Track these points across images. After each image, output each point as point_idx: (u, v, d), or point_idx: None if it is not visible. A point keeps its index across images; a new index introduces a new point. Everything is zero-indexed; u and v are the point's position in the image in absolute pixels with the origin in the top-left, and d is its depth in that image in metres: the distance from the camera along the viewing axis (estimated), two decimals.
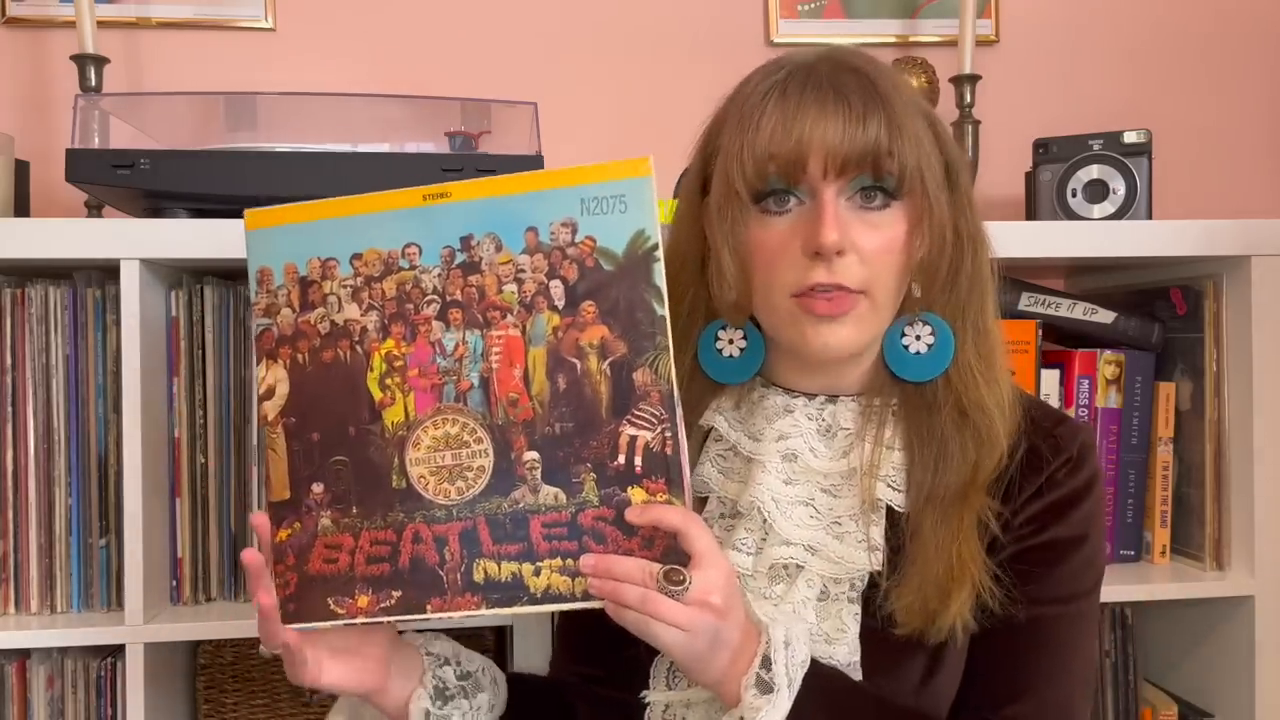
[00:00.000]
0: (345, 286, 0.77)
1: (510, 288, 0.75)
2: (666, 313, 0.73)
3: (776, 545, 0.84)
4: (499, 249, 0.75)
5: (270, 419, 0.78)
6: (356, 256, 0.77)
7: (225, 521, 1.24)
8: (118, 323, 1.16)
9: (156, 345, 1.20)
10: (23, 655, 1.22)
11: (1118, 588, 1.28)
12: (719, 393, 0.91)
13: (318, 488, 0.77)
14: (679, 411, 0.73)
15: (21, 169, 1.33)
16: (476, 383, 0.76)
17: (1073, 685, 0.86)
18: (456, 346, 0.76)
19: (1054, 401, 1.34)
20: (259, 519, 0.78)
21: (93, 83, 1.42)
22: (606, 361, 0.74)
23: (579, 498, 0.74)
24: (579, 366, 0.74)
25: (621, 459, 0.73)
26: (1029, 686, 0.85)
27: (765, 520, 0.85)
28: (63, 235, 1.14)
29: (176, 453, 1.23)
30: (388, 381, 0.77)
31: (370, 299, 0.77)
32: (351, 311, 0.77)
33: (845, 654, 0.82)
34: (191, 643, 1.32)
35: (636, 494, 0.73)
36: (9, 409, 1.20)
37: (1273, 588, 1.29)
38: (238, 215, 1.14)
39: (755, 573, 0.85)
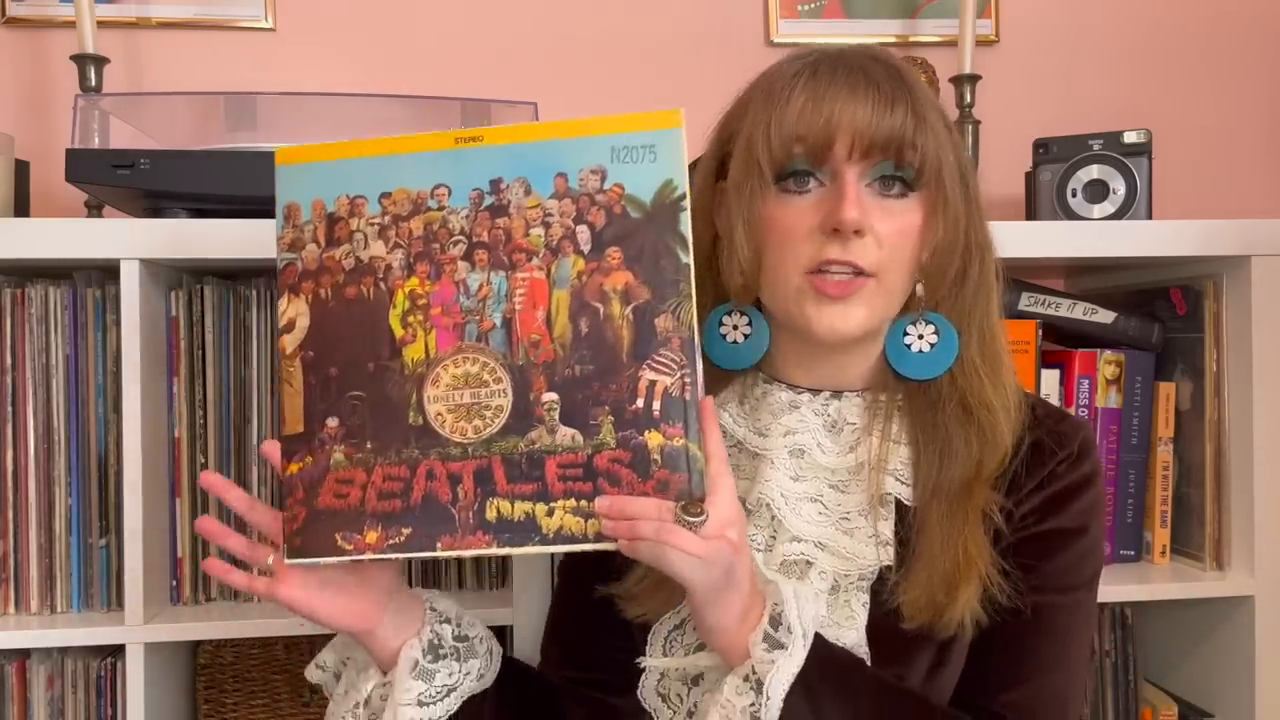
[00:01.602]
0: (372, 224, 0.78)
1: (537, 231, 0.76)
2: (691, 261, 0.74)
3: (786, 542, 0.85)
4: (528, 193, 0.76)
5: (288, 352, 0.79)
6: (385, 195, 0.78)
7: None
8: (118, 323, 1.16)
9: (156, 345, 1.20)
10: (23, 655, 1.22)
11: (1118, 588, 1.28)
12: (722, 387, 0.91)
13: (332, 422, 0.77)
14: (699, 358, 0.74)
15: (21, 169, 1.33)
16: (499, 323, 0.76)
17: (1069, 675, 0.87)
18: (481, 287, 0.77)
19: (1054, 402, 1.34)
20: (269, 447, 0.78)
21: (93, 83, 1.42)
22: (629, 306, 0.75)
23: (596, 439, 0.74)
24: (602, 310, 0.75)
25: (640, 402, 0.74)
26: (1026, 675, 0.86)
27: (774, 517, 0.85)
28: (63, 235, 1.14)
29: (176, 453, 1.23)
30: (410, 319, 0.77)
31: (397, 237, 0.78)
32: (377, 249, 0.78)
33: (853, 639, 0.83)
34: (191, 643, 1.32)
35: (654, 438, 0.74)
36: (9, 409, 1.20)
37: (1273, 588, 1.29)
38: (238, 215, 1.16)
39: (766, 569, 0.85)
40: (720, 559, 0.72)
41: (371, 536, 0.76)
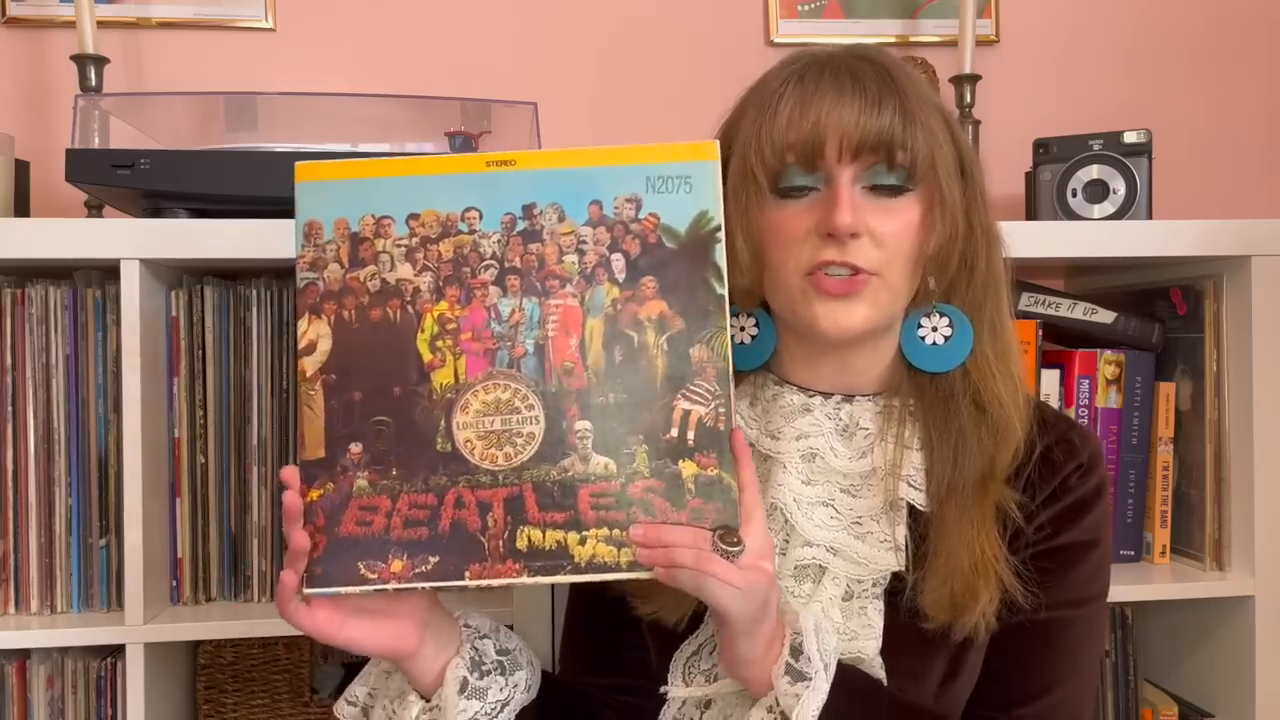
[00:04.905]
0: (399, 246, 0.77)
1: (571, 258, 0.76)
2: (725, 293, 0.75)
3: (799, 546, 0.85)
4: (561, 219, 0.76)
5: (309, 375, 0.77)
6: (413, 217, 0.77)
7: (225, 521, 1.24)
8: (118, 323, 1.16)
9: (156, 345, 1.20)
10: (23, 655, 1.22)
11: (1118, 588, 1.26)
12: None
13: (356, 447, 0.76)
14: (732, 390, 0.75)
15: (21, 169, 1.33)
16: (531, 350, 0.76)
17: (1082, 686, 0.87)
18: (513, 313, 0.76)
19: (1054, 402, 1.34)
20: (288, 473, 0.76)
21: (93, 83, 1.42)
22: (664, 336, 0.75)
23: (630, 468, 0.74)
24: (636, 339, 0.75)
25: (674, 432, 0.74)
26: (1040, 688, 0.86)
27: (787, 521, 0.85)
28: (63, 235, 1.14)
29: (176, 453, 1.23)
30: (439, 343, 0.76)
31: (425, 260, 0.77)
32: (405, 271, 0.77)
33: (872, 648, 0.83)
34: (191, 643, 1.32)
35: (688, 467, 0.74)
36: (9, 409, 1.20)
37: (1273, 588, 1.29)
38: (238, 215, 1.16)
39: (780, 573, 0.85)
40: (758, 590, 0.72)
41: (397, 565, 0.74)
